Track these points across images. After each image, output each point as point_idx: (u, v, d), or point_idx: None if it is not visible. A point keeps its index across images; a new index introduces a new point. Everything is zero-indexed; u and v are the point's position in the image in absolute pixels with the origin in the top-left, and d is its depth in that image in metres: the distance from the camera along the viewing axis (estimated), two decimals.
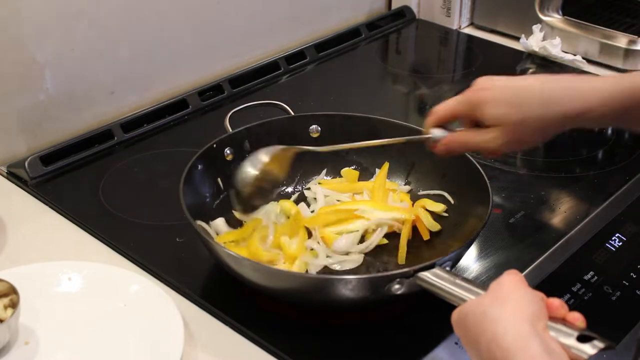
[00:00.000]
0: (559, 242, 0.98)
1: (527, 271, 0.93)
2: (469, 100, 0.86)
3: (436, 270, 0.78)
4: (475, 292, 0.73)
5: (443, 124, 0.89)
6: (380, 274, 0.86)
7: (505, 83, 0.85)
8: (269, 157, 0.91)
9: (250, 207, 0.95)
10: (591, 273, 0.93)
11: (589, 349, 0.63)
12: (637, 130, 0.89)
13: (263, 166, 0.90)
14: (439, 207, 0.98)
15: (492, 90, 0.85)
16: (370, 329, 0.85)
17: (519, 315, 0.63)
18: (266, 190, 0.94)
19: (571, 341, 0.63)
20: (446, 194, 0.99)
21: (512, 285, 0.67)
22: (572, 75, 0.89)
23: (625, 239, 0.99)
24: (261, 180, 0.91)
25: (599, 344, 0.63)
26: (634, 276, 0.94)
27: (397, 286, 0.78)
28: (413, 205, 0.99)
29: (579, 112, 0.81)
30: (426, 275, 0.78)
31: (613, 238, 0.99)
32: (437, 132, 0.88)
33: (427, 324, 0.85)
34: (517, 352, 0.60)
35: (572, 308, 0.66)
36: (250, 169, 0.90)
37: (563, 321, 0.65)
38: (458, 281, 0.75)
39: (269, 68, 1.40)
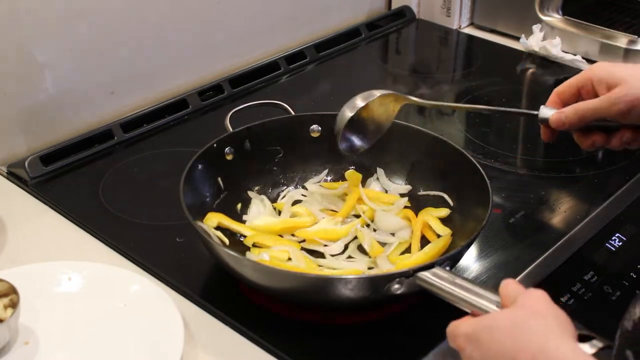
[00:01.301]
0: (559, 242, 0.98)
1: (527, 271, 0.93)
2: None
3: (436, 270, 0.78)
4: (474, 292, 0.73)
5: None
6: (380, 274, 0.86)
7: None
8: (366, 102, 0.93)
9: (351, 149, 0.96)
10: (591, 273, 0.93)
11: (588, 348, 0.63)
12: None
13: (359, 111, 0.93)
14: (442, 212, 0.98)
15: None
16: (370, 329, 0.85)
17: (566, 335, 0.62)
18: (367, 132, 0.95)
19: None
20: (446, 196, 0.99)
21: (546, 304, 0.66)
22: None
23: (625, 239, 0.99)
24: (359, 122, 0.93)
25: (598, 344, 0.63)
26: (634, 276, 0.93)
27: (396, 286, 0.78)
28: (416, 214, 0.98)
29: None
30: (426, 275, 0.78)
31: (613, 238, 0.99)
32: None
33: (427, 324, 0.85)
34: None
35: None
36: (347, 112, 0.93)
37: None
38: (458, 281, 0.75)
39: (269, 68, 1.40)
